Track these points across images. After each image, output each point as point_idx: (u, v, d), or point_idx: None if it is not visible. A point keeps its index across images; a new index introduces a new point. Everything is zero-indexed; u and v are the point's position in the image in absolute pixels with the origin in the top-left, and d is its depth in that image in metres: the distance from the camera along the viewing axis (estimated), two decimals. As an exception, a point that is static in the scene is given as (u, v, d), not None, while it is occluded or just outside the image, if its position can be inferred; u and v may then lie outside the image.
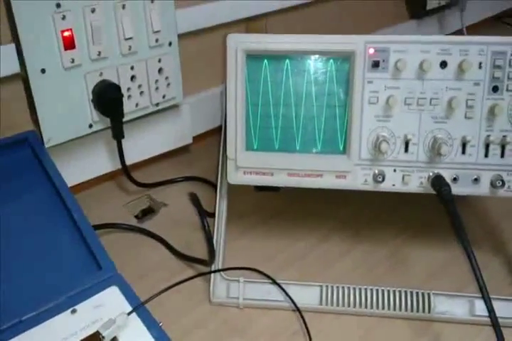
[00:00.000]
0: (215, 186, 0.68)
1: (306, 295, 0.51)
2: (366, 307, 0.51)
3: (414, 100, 0.50)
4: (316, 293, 0.52)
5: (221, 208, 0.58)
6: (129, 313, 0.43)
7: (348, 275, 0.55)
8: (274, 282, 0.52)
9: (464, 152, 0.50)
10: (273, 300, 0.52)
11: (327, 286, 0.52)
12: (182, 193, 0.69)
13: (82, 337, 0.41)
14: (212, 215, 0.61)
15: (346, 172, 0.51)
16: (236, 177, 0.53)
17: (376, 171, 0.51)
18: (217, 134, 0.78)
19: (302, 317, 0.50)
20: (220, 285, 0.53)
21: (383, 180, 0.51)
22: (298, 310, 0.50)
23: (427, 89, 0.50)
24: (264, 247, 0.58)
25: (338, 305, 0.51)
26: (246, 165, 0.52)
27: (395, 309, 0.51)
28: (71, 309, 0.44)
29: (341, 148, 0.52)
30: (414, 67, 0.49)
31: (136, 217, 0.67)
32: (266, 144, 0.52)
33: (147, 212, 0.68)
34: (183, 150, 0.77)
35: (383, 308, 0.51)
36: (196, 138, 0.78)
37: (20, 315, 0.42)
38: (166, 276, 0.54)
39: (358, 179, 0.51)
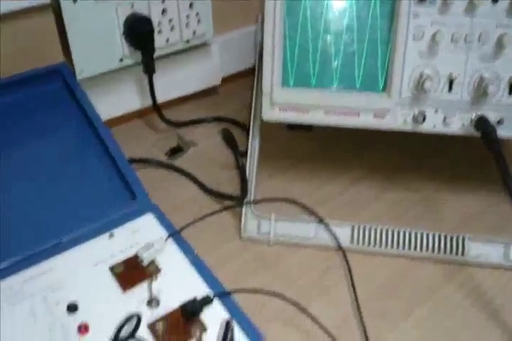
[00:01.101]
0: (244, 128, 0.70)
1: (337, 234, 0.53)
2: (398, 248, 0.52)
3: (462, 37, 0.49)
4: (347, 232, 0.54)
5: (253, 147, 0.59)
6: (167, 238, 0.45)
7: (379, 217, 0.56)
8: (314, 214, 0.53)
9: (511, 93, 0.50)
10: (304, 238, 0.54)
11: (359, 226, 0.53)
12: (211, 133, 0.71)
13: (122, 259, 0.44)
14: (243, 155, 0.62)
15: (385, 112, 0.52)
16: (271, 113, 0.54)
17: (417, 111, 0.51)
18: (246, 77, 0.79)
19: (343, 252, 0.51)
20: (250, 221, 0.55)
21: (424, 120, 0.51)
22: (342, 248, 0.52)
23: (475, 26, 0.49)
24: (294, 188, 0.60)
25: (369, 244, 0.53)
26: (281, 102, 0.53)
27: (427, 251, 0.52)
28: (109, 233, 0.47)
29: (381, 85, 0.52)
30: (463, 1, 0.48)
31: (166, 155, 0.69)
32: (303, 80, 0.53)
33: (176, 151, 0.70)
34: (212, 91, 0.79)
35: (415, 249, 0.52)
36: (225, 80, 0.79)
37: (60, 236, 0.46)
38: (197, 212, 0.56)
39: (397, 119, 0.52)
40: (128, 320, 0.38)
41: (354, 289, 0.48)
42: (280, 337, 0.38)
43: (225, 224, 0.57)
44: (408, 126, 0.52)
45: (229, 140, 0.67)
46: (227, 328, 0.35)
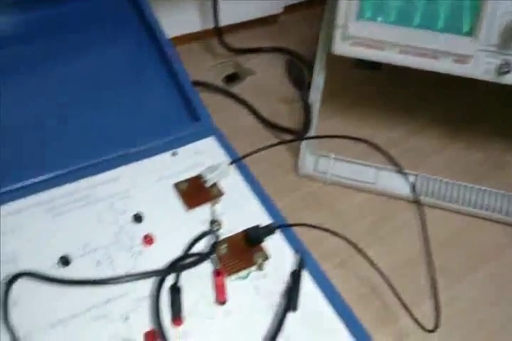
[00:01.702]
0: (305, 60, 0.68)
1: (398, 183, 0.53)
2: (461, 204, 0.52)
3: None
4: (408, 181, 0.53)
5: (317, 81, 0.58)
6: (231, 163, 0.46)
7: (440, 171, 0.56)
8: (388, 157, 0.52)
9: None
10: (363, 182, 0.54)
11: (422, 177, 0.53)
12: (270, 63, 0.70)
13: (185, 178, 0.45)
14: (304, 88, 0.62)
15: (467, 57, 0.50)
16: (342, 47, 0.52)
17: (502, 61, 0.49)
18: (309, 7, 0.76)
19: (418, 202, 0.51)
20: (309, 158, 0.55)
21: (509, 71, 0.50)
22: (417, 201, 0.52)
23: None
24: (353, 131, 0.60)
25: (431, 196, 0.53)
26: (356, 35, 0.51)
27: (491, 210, 0.52)
28: (172, 151, 0.47)
29: (467, 28, 0.49)
30: None
31: (222, 81, 0.68)
32: (381, 14, 0.50)
33: (233, 78, 0.69)
34: (272, 21, 0.76)
35: (480, 208, 0.52)
36: (287, 9, 0.76)
37: (126, 148, 0.47)
38: (253, 143, 0.56)
39: (479, 66, 0.50)
40: (201, 236, 0.39)
41: (426, 238, 0.48)
42: (334, 277, 0.40)
43: (281, 158, 0.57)
44: (490, 76, 0.50)
45: (294, 72, 0.65)
46: (295, 277, 0.36)
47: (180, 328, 0.34)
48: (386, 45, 0.51)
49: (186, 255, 0.38)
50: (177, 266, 0.37)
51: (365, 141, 0.53)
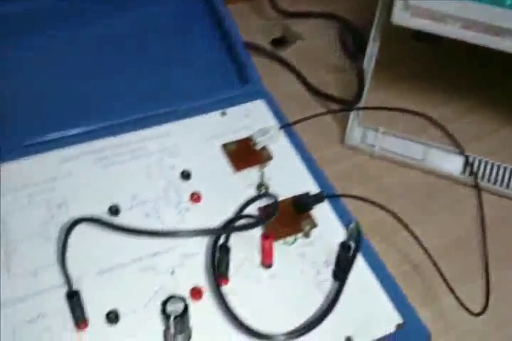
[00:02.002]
0: (357, 28, 0.66)
1: (448, 162, 0.53)
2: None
3: None
4: (459, 162, 0.52)
5: (372, 50, 0.56)
6: (282, 127, 0.45)
7: (495, 152, 0.54)
8: (445, 132, 0.51)
9: None
10: (411, 158, 0.53)
11: (474, 158, 0.52)
12: (320, 29, 0.68)
13: (233, 139, 0.44)
14: (356, 59, 0.60)
15: (534, 38, 0.48)
16: (401, 17, 0.50)
17: None
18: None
19: (476, 184, 0.50)
20: (357, 129, 0.54)
21: None
22: (476, 184, 0.51)
23: None
24: (403, 105, 0.58)
25: (482, 179, 0.52)
26: (417, 5, 0.49)
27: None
28: (221, 111, 0.47)
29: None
30: None
31: (270, 44, 0.67)
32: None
33: (281, 42, 0.68)
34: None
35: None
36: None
37: (176, 105, 0.46)
38: (300, 110, 0.55)
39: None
40: (256, 198, 0.39)
41: (483, 219, 0.48)
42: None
43: (327, 127, 0.56)
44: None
45: (346, 40, 0.64)
46: (344, 248, 0.35)
47: (226, 287, 0.34)
48: (448, 18, 0.49)
49: (240, 216, 0.38)
50: (232, 226, 0.37)
51: (421, 115, 0.52)
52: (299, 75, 0.63)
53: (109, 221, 0.36)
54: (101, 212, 0.38)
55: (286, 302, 0.34)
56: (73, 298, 0.31)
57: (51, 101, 0.46)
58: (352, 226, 0.35)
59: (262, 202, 0.40)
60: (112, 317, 0.32)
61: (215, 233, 0.36)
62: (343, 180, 0.50)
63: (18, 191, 0.38)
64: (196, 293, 0.33)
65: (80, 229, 0.36)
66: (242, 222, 0.38)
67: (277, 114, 0.48)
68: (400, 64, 0.63)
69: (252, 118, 0.47)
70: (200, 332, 0.32)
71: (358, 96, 0.55)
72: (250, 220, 0.37)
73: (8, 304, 0.33)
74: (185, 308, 0.30)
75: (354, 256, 0.35)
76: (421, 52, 0.64)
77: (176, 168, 0.42)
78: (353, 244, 0.35)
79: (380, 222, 0.44)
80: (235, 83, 0.51)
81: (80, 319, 0.31)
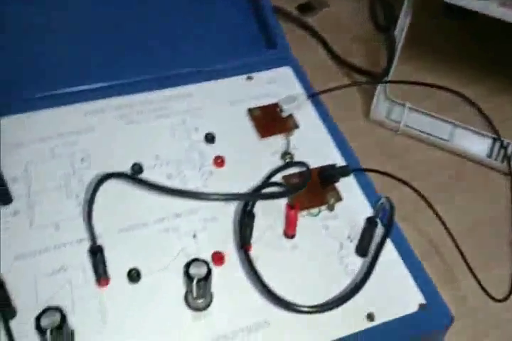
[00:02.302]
0: (387, 1, 0.65)
1: (476, 144, 0.52)
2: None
3: None
4: (488, 144, 0.52)
5: (403, 22, 0.55)
6: (309, 96, 0.45)
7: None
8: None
9: None
10: (437, 137, 0.53)
11: (502, 141, 0.52)
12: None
13: (258, 105, 0.44)
14: (385, 30, 0.59)
15: None
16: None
17: None
18: None
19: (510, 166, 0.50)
20: (383, 103, 0.54)
21: None
22: (509, 169, 0.50)
23: None
24: (431, 81, 0.58)
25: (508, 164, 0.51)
26: None
27: None
28: (246, 75, 0.46)
29: None
30: None
31: (296, 9, 0.65)
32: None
33: (306, 9, 0.66)
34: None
35: None
36: None
37: (201, 65, 0.46)
38: (324, 80, 0.55)
39: None
40: (286, 166, 0.39)
41: None
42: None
43: (351, 99, 0.56)
44: None
45: (376, 10, 0.62)
46: (370, 224, 0.35)
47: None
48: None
49: (270, 183, 0.38)
50: (262, 193, 0.37)
51: (452, 92, 0.51)
52: (324, 43, 0.62)
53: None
54: (124, 169, 0.37)
55: (306, 273, 0.34)
56: (97, 253, 0.31)
57: (77, 53, 0.45)
58: (382, 201, 0.35)
59: (288, 171, 0.40)
60: (134, 275, 0.32)
61: (246, 199, 0.36)
62: (365, 155, 0.49)
63: (41, 142, 0.38)
64: (218, 257, 0.34)
65: (104, 184, 0.36)
66: (269, 189, 0.37)
67: (304, 82, 0.47)
68: (431, 39, 0.62)
69: (278, 85, 0.46)
70: (221, 298, 0.32)
71: (387, 69, 0.54)
72: (279, 189, 0.37)
73: (30, 255, 0.33)
74: (209, 272, 0.30)
75: (387, 234, 0.35)
76: (452, 28, 0.63)
77: (199, 130, 0.41)
78: (379, 220, 0.35)
79: (402, 199, 0.44)
80: (262, 47, 0.50)
81: (101, 275, 0.32)
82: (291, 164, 0.39)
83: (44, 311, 0.27)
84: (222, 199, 0.35)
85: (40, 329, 0.27)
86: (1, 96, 0.41)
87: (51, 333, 0.27)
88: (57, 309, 0.28)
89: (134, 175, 0.37)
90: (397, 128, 0.54)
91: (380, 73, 0.55)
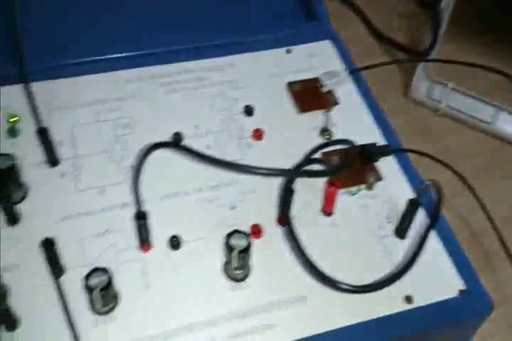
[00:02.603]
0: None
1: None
2: None
3: None
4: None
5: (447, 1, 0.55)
6: (351, 72, 0.45)
7: None
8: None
9: None
10: (478, 120, 0.53)
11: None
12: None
13: (298, 79, 0.44)
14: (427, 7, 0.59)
15: None
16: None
17: None
18: None
19: None
20: (423, 82, 0.54)
21: None
22: None
23: None
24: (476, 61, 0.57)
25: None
26: None
27: None
28: (286, 48, 0.47)
29: None
30: None
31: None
32: None
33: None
34: None
35: None
36: None
37: (240, 36, 0.46)
38: (364, 55, 0.54)
39: None
40: (330, 143, 0.40)
41: None
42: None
43: (392, 77, 0.56)
44: None
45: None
46: (412, 206, 0.35)
47: (285, 229, 0.35)
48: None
49: (313, 159, 0.38)
50: (307, 170, 0.38)
51: (499, 72, 0.51)
52: (365, 19, 0.61)
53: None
54: (164, 137, 0.38)
55: (344, 251, 0.35)
56: (142, 219, 0.32)
57: (121, 20, 0.46)
58: (427, 183, 0.35)
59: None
60: (175, 242, 0.33)
61: (290, 175, 0.37)
62: (403, 134, 0.50)
63: (86, 107, 0.40)
64: (256, 230, 0.35)
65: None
66: (312, 166, 0.38)
67: (345, 57, 0.47)
68: (477, 18, 0.61)
69: (318, 59, 0.46)
70: (259, 270, 0.33)
71: (430, 47, 0.54)
72: (322, 166, 0.38)
73: (76, 217, 0.34)
74: (249, 244, 0.31)
75: (434, 221, 0.35)
76: (500, 7, 0.62)
77: (238, 102, 0.42)
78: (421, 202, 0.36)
79: (444, 182, 0.44)
80: (302, 20, 0.50)
81: (145, 241, 0.33)
82: (336, 141, 0.40)
83: (92, 271, 0.29)
84: (268, 174, 0.36)
85: (88, 288, 0.29)
86: (49, 60, 0.42)
87: (99, 292, 0.28)
88: (105, 270, 0.29)
89: (183, 145, 0.38)
90: (437, 108, 0.53)
91: (423, 51, 0.54)
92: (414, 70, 0.54)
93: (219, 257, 0.33)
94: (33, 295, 0.31)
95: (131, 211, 0.34)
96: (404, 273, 0.33)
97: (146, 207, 0.35)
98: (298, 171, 0.37)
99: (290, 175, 0.37)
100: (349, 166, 0.38)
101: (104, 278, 0.29)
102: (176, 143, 0.37)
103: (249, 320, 0.31)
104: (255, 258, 0.33)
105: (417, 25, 0.62)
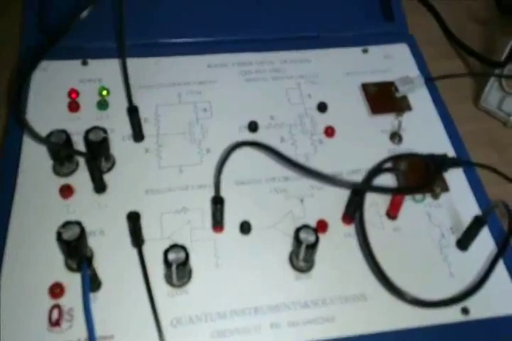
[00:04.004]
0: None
1: None
2: None
3: None
4: None
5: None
6: (426, 81, 0.50)
7: None
8: None
9: None
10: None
11: None
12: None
13: (373, 80, 0.50)
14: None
15: None
16: None
17: None
18: None
19: None
20: (495, 93, 0.58)
21: None
22: None
23: None
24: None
25: None
26: None
27: None
28: (362, 47, 0.52)
29: None
30: None
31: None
32: None
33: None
34: None
35: None
36: None
37: (319, 31, 0.52)
38: (435, 58, 0.58)
39: None
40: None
41: None
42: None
43: (462, 83, 0.60)
44: None
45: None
46: (477, 223, 0.39)
47: (349, 227, 0.41)
48: None
49: (384, 169, 0.44)
50: (378, 187, 0.43)
51: None
52: (439, 19, 0.66)
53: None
54: (240, 124, 0.45)
55: (404, 256, 0.40)
56: (219, 204, 0.38)
57: (208, 5, 0.52)
58: (496, 204, 0.40)
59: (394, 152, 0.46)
60: (246, 227, 0.39)
61: (359, 188, 0.41)
62: (468, 144, 0.54)
63: (170, 87, 0.46)
64: (322, 225, 0.40)
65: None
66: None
67: (421, 62, 0.53)
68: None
69: (393, 62, 0.52)
70: (322, 264, 0.39)
71: (506, 60, 0.58)
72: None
73: (157, 192, 0.40)
74: (317, 240, 0.36)
75: (505, 247, 0.40)
76: None
77: (313, 97, 0.47)
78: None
79: (504, 197, 0.46)
80: (379, 20, 0.56)
81: (218, 223, 0.38)
82: (410, 154, 0.45)
83: (171, 247, 0.35)
84: (340, 185, 0.41)
85: (167, 263, 0.34)
86: (135, 39, 0.47)
87: (176, 267, 0.34)
88: (183, 247, 0.35)
89: (272, 148, 0.42)
90: (507, 120, 0.58)
91: (497, 62, 0.59)
92: (487, 79, 0.58)
93: (285, 247, 0.39)
94: (114, 261, 0.37)
95: (208, 192, 0.40)
96: (469, 295, 0.38)
97: (222, 190, 0.40)
98: (369, 186, 0.43)
99: (361, 190, 0.41)
100: (423, 189, 0.43)
101: (181, 255, 0.35)
102: (266, 146, 0.42)
103: (309, 311, 0.37)
104: (319, 253, 0.38)
105: (494, 30, 0.66)
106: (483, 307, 0.38)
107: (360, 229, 0.40)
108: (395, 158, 0.45)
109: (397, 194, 0.41)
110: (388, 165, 0.44)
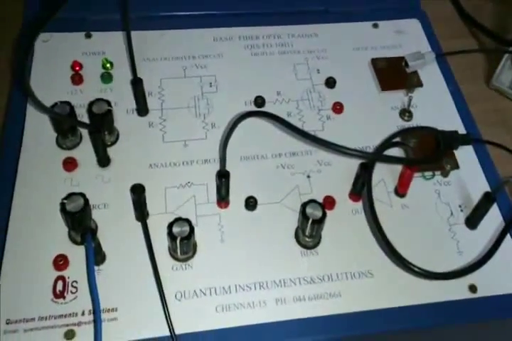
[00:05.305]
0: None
1: None
2: None
3: None
4: None
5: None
6: (437, 56, 0.50)
7: None
8: None
9: None
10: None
11: None
12: None
13: (383, 56, 0.50)
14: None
15: None
16: None
17: None
18: None
19: None
20: (507, 72, 0.58)
21: None
22: None
23: None
24: None
25: None
26: None
27: None
28: (373, 22, 0.53)
29: None
30: None
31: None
32: None
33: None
34: None
35: None
36: None
37: (326, 5, 0.53)
38: (447, 35, 0.58)
39: None
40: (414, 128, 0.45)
41: None
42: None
43: (474, 61, 0.60)
44: None
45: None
46: (487, 200, 0.40)
47: (355, 204, 0.42)
48: None
49: (395, 143, 0.44)
50: (389, 156, 0.43)
51: None
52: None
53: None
54: (247, 99, 0.45)
55: (413, 234, 0.41)
56: (224, 178, 0.38)
57: None
58: (504, 180, 0.40)
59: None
60: (251, 203, 0.39)
61: (372, 158, 0.42)
62: (480, 122, 0.55)
63: (174, 60, 0.46)
64: (329, 202, 0.41)
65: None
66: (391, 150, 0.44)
67: (431, 38, 0.53)
68: None
69: (404, 37, 0.52)
70: (328, 240, 0.39)
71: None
72: (401, 150, 0.44)
73: (162, 166, 0.41)
74: (324, 215, 0.37)
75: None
76: None
77: (321, 72, 0.48)
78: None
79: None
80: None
81: (223, 198, 0.39)
82: (419, 128, 0.46)
83: (175, 220, 0.36)
84: (350, 154, 0.40)
85: (171, 236, 0.35)
86: (139, 11, 0.47)
87: (181, 241, 0.35)
88: (187, 221, 0.36)
89: (281, 118, 0.41)
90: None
91: (511, 40, 0.59)
92: (499, 58, 0.59)
93: (291, 223, 0.40)
94: (118, 234, 0.38)
95: (213, 167, 0.41)
96: (476, 268, 0.38)
97: (226, 166, 0.40)
98: (380, 155, 0.43)
99: (372, 159, 0.42)
100: (433, 161, 0.44)
101: (186, 229, 0.35)
102: (274, 115, 0.41)
103: (315, 287, 0.38)
104: (325, 229, 0.39)
105: (508, 9, 0.66)
106: (490, 284, 0.39)
107: (368, 204, 0.40)
108: (407, 131, 0.45)
109: (408, 165, 0.41)
110: (399, 139, 0.45)
